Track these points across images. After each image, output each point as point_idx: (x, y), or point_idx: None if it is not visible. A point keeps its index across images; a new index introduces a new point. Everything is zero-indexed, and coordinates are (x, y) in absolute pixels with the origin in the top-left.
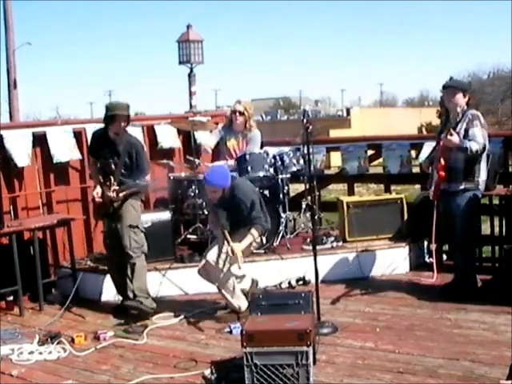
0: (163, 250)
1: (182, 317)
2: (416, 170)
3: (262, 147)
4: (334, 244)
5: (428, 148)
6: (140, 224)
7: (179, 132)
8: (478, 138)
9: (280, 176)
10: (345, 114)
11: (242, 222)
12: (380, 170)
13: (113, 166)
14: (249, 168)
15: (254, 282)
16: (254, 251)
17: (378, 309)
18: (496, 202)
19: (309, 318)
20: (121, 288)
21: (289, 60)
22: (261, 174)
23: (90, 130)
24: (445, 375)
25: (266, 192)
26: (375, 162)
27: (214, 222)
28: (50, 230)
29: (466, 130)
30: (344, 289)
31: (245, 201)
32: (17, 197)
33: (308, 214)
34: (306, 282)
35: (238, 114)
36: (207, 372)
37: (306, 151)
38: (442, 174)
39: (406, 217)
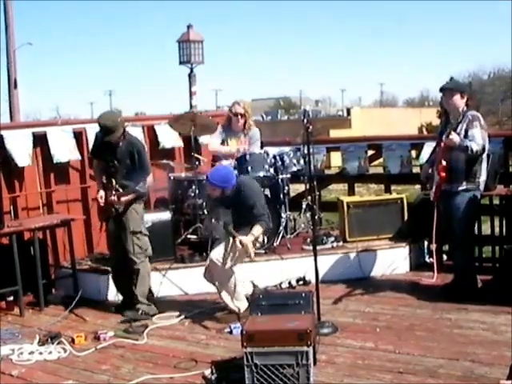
0: (163, 250)
1: (182, 317)
2: (416, 170)
3: (262, 147)
4: (335, 244)
5: (428, 148)
6: (144, 228)
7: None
8: (478, 139)
9: (280, 176)
10: (345, 114)
11: (246, 219)
12: (380, 170)
13: (115, 168)
14: (249, 168)
15: (256, 287)
16: (255, 251)
17: (378, 309)
18: (496, 202)
19: (309, 318)
20: (122, 288)
21: (289, 60)
22: (261, 174)
23: (91, 130)
24: (445, 375)
25: (267, 192)
26: (375, 162)
27: (208, 226)
28: (51, 230)
29: (466, 131)
30: (344, 289)
31: (252, 197)
32: (17, 197)
33: (308, 214)
34: (306, 282)
35: (239, 116)
36: (207, 372)
37: (306, 151)
38: (443, 174)
39: (406, 217)
